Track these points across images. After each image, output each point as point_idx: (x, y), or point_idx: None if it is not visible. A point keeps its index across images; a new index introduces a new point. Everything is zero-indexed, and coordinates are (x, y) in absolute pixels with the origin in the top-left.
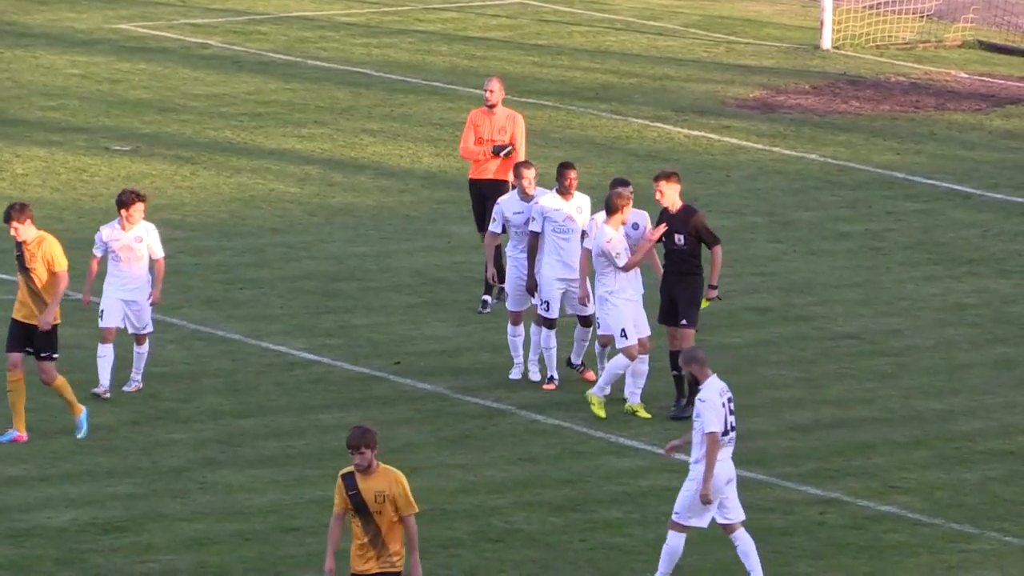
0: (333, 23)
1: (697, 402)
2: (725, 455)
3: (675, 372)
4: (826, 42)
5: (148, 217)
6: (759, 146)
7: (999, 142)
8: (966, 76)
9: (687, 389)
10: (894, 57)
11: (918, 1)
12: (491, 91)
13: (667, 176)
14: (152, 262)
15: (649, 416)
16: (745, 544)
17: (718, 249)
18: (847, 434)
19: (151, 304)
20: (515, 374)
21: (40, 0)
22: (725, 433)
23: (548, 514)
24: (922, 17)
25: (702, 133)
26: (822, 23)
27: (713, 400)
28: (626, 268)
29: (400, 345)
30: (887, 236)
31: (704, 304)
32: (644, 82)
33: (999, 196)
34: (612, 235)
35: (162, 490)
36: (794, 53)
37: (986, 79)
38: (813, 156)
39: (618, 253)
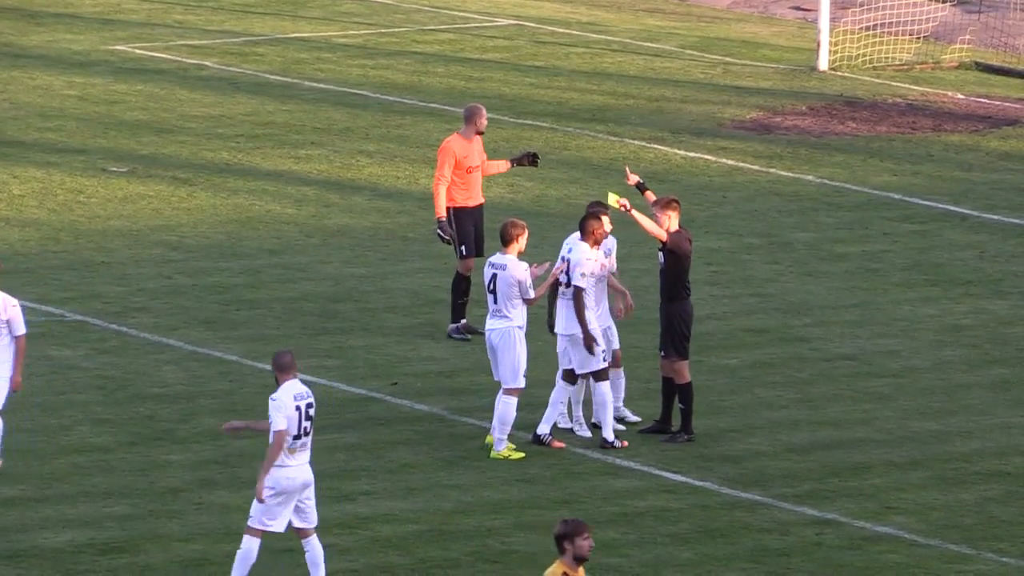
0: (330, 44)
1: (269, 401)
2: (302, 459)
3: (681, 404)
4: (823, 63)
5: (146, 239)
6: (756, 167)
7: (996, 163)
8: (963, 97)
9: (679, 417)
10: (891, 78)
11: (915, 22)
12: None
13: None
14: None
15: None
16: (315, 553)
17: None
18: (844, 455)
19: (13, 390)
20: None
21: (37, 21)
22: (298, 437)
23: (546, 535)
24: (919, 38)
25: (699, 154)
26: (819, 44)
27: (284, 401)
28: (530, 303)
29: (397, 366)
30: (884, 257)
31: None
32: (641, 103)
33: (996, 217)
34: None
35: (159, 511)
36: (791, 74)
37: (983, 100)
38: (810, 177)
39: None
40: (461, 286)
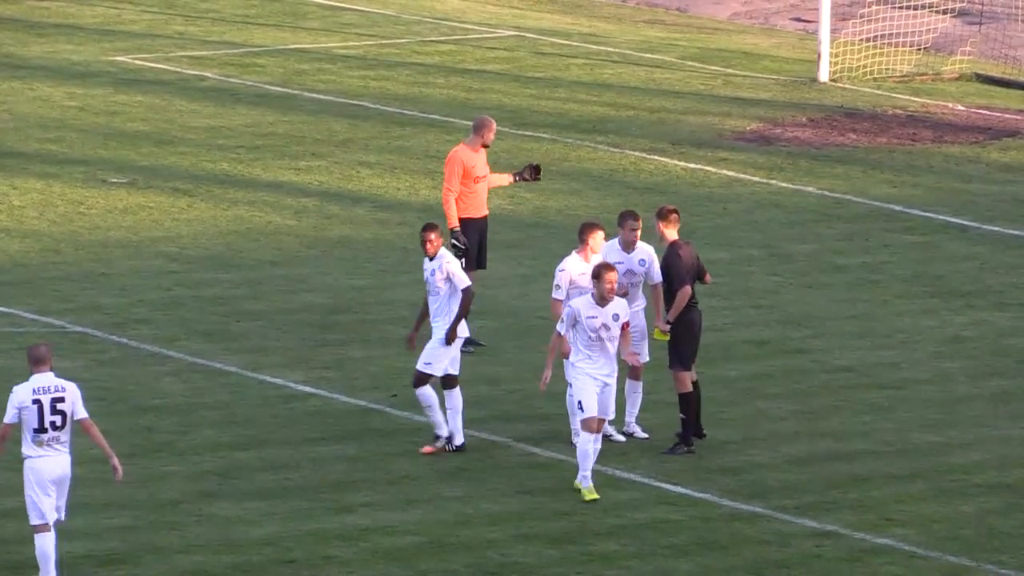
0: (330, 55)
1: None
2: (54, 451)
3: (681, 414)
4: (823, 75)
5: (146, 251)
6: (756, 179)
7: (996, 175)
8: (963, 109)
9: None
10: (891, 90)
11: (915, 34)
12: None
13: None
14: None
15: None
16: (46, 547)
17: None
18: (844, 467)
19: None
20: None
21: (37, 32)
22: (42, 431)
23: (545, 547)
24: (919, 50)
25: (699, 166)
26: (819, 56)
27: (19, 395)
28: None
29: (397, 378)
30: (884, 269)
31: (658, 335)
32: (641, 115)
33: (996, 229)
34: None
35: (159, 522)
36: (791, 86)
37: (983, 112)
38: (810, 189)
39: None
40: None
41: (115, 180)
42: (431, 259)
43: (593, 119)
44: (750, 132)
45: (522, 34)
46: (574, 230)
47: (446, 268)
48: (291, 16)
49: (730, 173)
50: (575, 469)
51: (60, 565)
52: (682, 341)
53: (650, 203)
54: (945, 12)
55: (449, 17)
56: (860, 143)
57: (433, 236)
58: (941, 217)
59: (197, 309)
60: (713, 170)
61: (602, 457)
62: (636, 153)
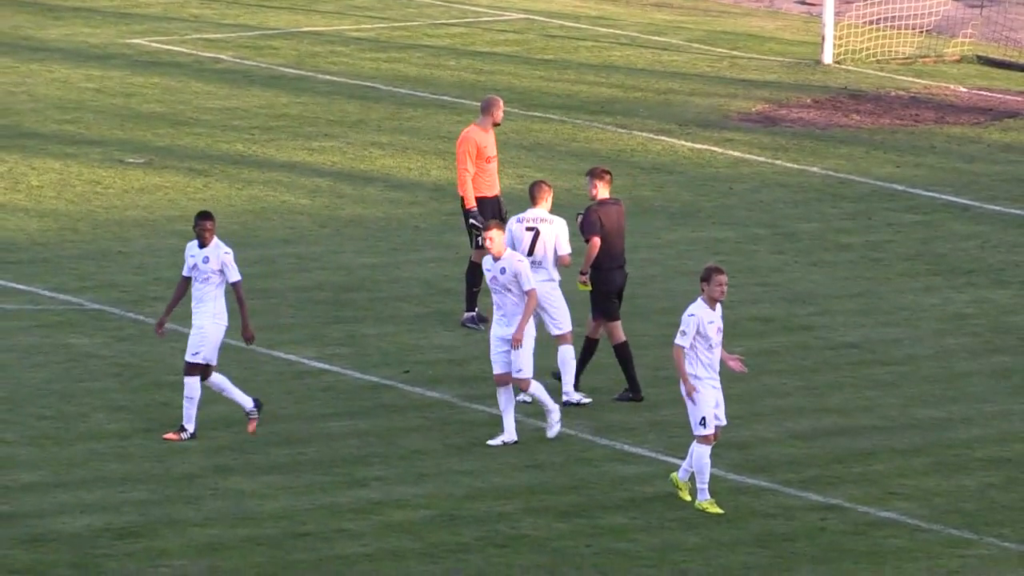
0: (343, 38)
1: None
2: None
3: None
4: (827, 57)
5: (161, 230)
6: (762, 159)
7: (997, 155)
8: (965, 90)
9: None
10: (894, 72)
11: (918, 17)
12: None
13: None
14: None
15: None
16: None
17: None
18: (848, 442)
19: None
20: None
21: (56, 15)
22: None
23: (554, 520)
24: (922, 32)
25: (706, 146)
26: (823, 38)
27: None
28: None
29: (409, 354)
30: (887, 247)
31: (580, 286)
32: (649, 96)
33: (997, 208)
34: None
35: (175, 496)
36: (796, 68)
37: (984, 93)
38: (815, 169)
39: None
40: (475, 275)
41: (132, 160)
42: (202, 247)
43: (601, 100)
44: (756, 113)
45: (531, 17)
46: (582, 207)
47: (222, 258)
48: None
49: (736, 153)
50: (584, 444)
51: (77, 540)
52: (600, 295)
53: (657, 183)
54: None
55: (460, 0)
56: (863, 124)
57: (209, 224)
58: (943, 197)
59: None
60: (719, 150)
61: (610, 431)
62: (643, 134)
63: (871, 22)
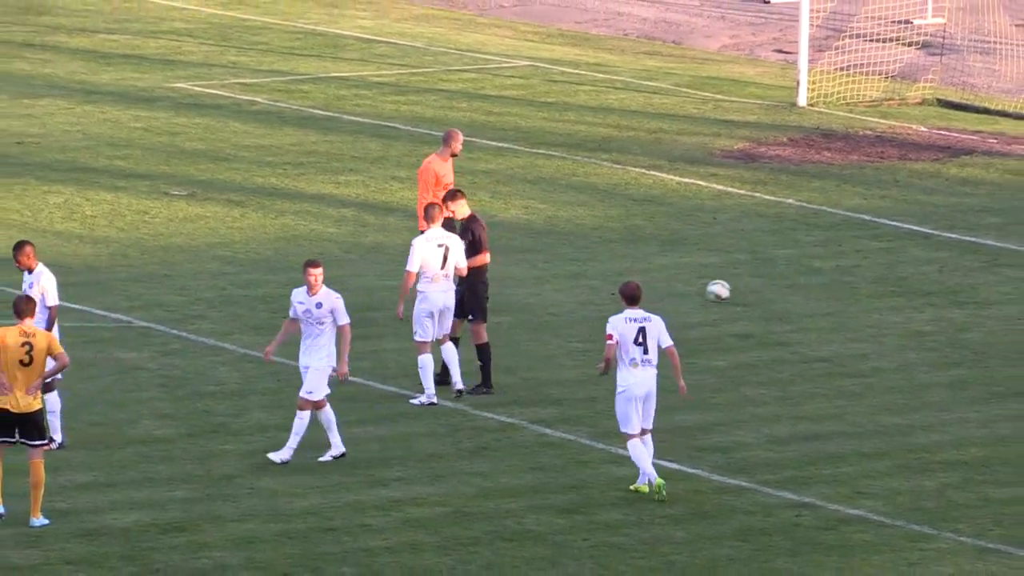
0: (366, 82)
1: None
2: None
3: (480, 361)
4: (802, 100)
5: (204, 255)
6: (743, 192)
7: (955, 188)
8: (926, 130)
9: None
10: (862, 113)
11: (883, 64)
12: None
13: (455, 195)
14: None
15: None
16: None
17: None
18: (820, 446)
19: None
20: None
21: (107, 61)
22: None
23: (555, 516)
24: (887, 77)
25: (692, 180)
26: (798, 83)
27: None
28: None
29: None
30: (855, 271)
31: None
32: (641, 135)
33: (954, 236)
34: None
35: (215, 495)
36: (773, 110)
37: (943, 132)
38: (790, 201)
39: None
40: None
41: (176, 192)
42: (30, 272)
43: (599, 139)
44: (737, 150)
45: (536, 64)
46: (582, 236)
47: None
48: (332, 48)
49: (719, 187)
50: (582, 448)
51: (127, 534)
52: (484, 300)
53: (649, 213)
54: (910, 44)
55: (471, 49)
56: (834, 160)
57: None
58: (906, 226)
59: (248, 306)
60: (704, 184)
61: (606, 437)
62: (636, 169)
63: (841, 69)
